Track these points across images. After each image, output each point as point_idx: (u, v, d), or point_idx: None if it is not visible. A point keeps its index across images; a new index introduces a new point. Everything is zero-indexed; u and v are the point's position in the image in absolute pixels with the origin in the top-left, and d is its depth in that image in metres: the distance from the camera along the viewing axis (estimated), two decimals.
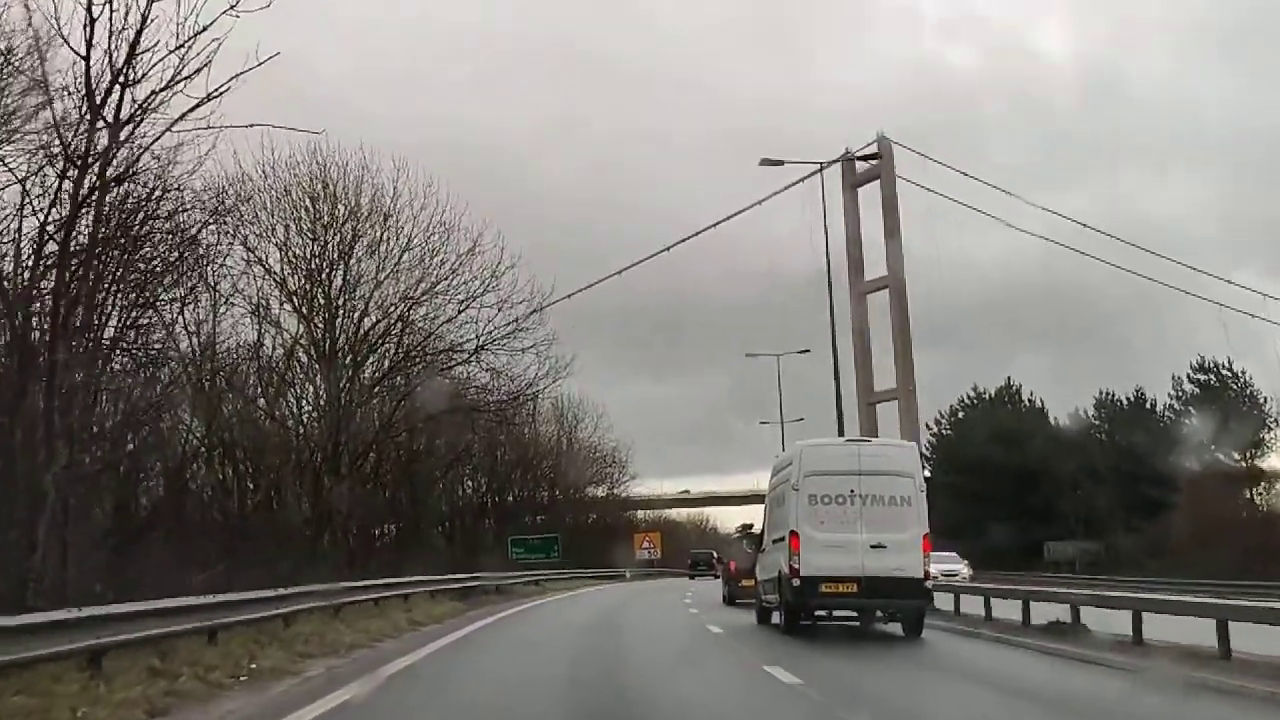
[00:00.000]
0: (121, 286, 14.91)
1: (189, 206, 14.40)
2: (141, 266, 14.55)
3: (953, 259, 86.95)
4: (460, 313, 29.38)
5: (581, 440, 59.39)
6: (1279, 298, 45.66)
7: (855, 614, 16.68)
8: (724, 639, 16.72)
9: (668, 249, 45.87)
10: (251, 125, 13.45)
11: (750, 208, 47.20)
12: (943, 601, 22.53)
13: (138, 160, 12.94)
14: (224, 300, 24.68)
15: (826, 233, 33.54)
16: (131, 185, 13.90)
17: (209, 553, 20.39)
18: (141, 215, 13.98)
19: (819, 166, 33.12)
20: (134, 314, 16.56)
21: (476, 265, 29.21)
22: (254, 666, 10.56)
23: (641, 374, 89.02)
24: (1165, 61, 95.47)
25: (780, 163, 32.62)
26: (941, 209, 44.68)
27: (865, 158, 32.80)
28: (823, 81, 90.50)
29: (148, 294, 16.22)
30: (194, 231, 14.95)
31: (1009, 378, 65.74)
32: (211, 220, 15.07)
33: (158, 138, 12.97)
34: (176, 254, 15.47)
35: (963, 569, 35.72)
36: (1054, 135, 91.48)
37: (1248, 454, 56.65)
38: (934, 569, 33.51)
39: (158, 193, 14.04)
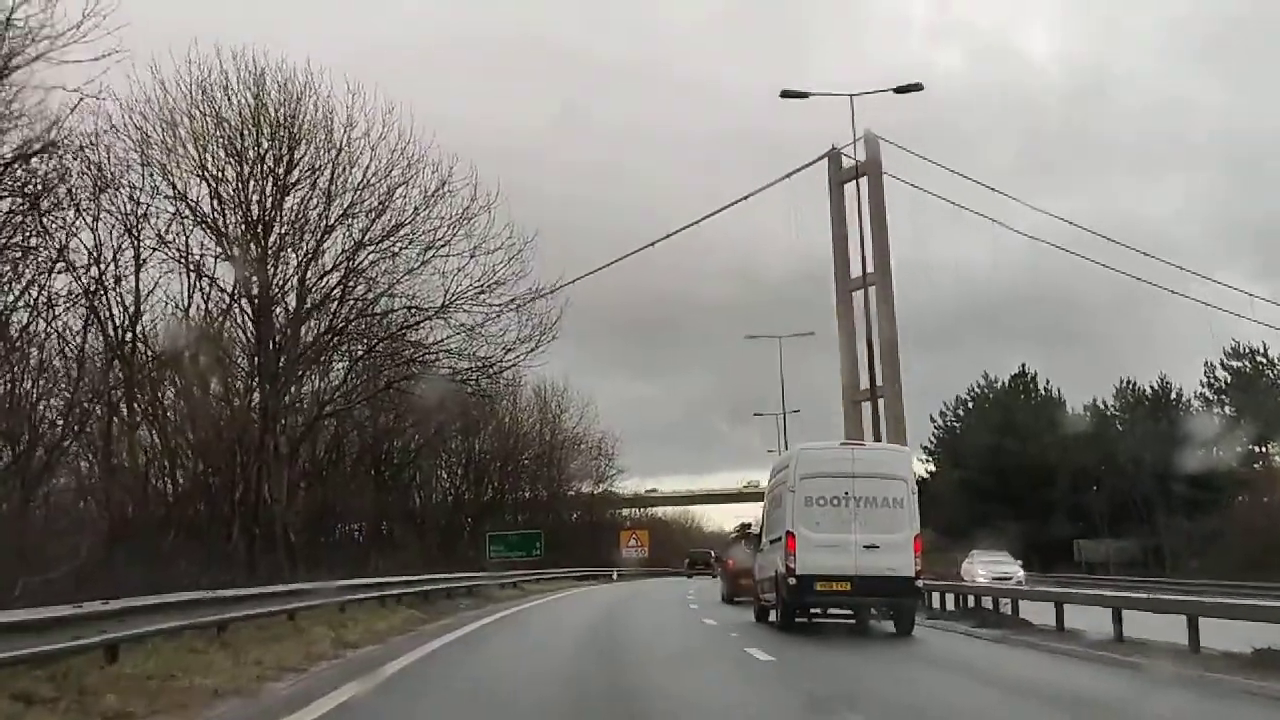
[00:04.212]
0: None
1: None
2: None
3: (942, 259, 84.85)
4: (424, 263, 24.24)
5: (566, 430, 54.96)
6: (1266, 299, 44.54)
7: (851, 612, 16.87)
8: (775, 671, 11.82)
9: (652, 244, 44.63)
10: None
11: (742, 200, 46.84)
12: (1036, 613, 17.82)
13: None
14: (138, 239, 20.40)
15: (854, 174, 29.15)
16: None
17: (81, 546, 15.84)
18: None
19: (848, 100, 28.57)
20: None
21: (444, 209, 24.06)
22: None
23: (625, 373, 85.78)
24: (1151, 65, 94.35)
25: (804, 95, 28.78)
26: (932, 208, 43.70)
27: (905, 89, 28.16)
28: (816, 84, 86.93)
29: None
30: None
31: (1023, 365, 61.55)
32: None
33: None
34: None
35: (1018, 571, 30.94)
36: (1042, 138, 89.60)
37: None
38: (982, 572, 29.57)
39: None
